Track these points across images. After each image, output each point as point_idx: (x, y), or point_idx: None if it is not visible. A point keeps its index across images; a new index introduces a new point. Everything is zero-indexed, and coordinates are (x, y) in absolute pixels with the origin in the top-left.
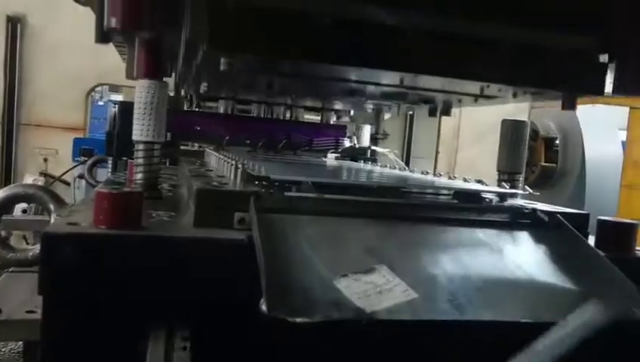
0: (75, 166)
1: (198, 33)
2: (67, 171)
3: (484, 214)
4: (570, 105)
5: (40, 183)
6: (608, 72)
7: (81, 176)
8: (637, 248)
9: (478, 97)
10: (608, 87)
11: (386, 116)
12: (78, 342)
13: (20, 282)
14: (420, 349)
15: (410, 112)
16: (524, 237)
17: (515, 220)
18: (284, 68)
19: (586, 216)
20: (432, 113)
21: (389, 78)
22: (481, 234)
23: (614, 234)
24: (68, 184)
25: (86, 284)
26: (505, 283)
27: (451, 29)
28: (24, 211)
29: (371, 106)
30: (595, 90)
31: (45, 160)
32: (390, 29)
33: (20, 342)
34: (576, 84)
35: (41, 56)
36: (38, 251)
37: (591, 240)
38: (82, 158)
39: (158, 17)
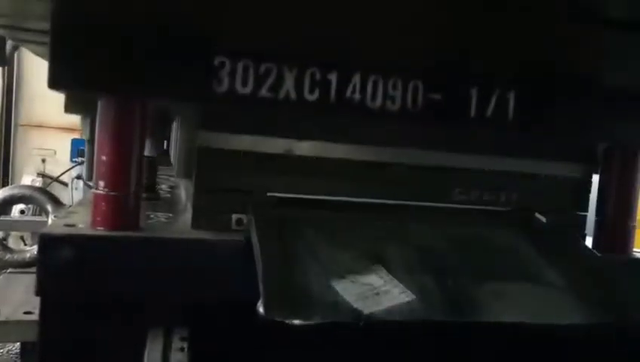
0: (73, 167)
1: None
2: (65, 172)
3: (483, 215)
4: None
5: (38, 184)
6: None
7: (79, 177)
8: (634, 249)
9: None
10: None
11: None
12: (75, 344)
13: (17, 283)
14: (418, 350)
15: None
16: (520, 237)
17: (513, 221)
18: None
19: (584, 217)
20: None
21: None
22: (480, 235)
23: (612, 236)
24: (66, 185)
25: (83, 286)
26: (503, 285)
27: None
28: (22, 212)
29: None
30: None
31: (43, 161)
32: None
33: (18, 343)
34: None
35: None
36: (35, 252)
37: (588, 242)
38: (80, 159)
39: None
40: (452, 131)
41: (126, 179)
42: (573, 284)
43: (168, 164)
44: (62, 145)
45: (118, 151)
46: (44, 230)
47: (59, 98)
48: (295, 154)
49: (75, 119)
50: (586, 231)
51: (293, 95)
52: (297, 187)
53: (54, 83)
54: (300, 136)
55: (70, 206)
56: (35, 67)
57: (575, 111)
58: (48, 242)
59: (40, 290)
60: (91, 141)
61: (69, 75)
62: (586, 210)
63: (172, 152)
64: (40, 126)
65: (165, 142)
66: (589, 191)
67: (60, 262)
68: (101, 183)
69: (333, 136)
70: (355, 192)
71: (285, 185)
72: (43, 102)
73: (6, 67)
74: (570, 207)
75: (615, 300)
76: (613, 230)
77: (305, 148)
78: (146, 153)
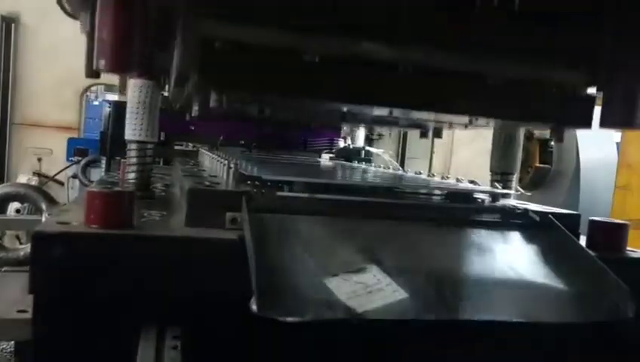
0: (69, 166)
1: (189, 68)
2: (61, 171)
3: (476, 214)
4: (558, 137)
5: (34, 183)
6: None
7: (74, 176)
8: (628, 248)
9: (468, 125)
10: (596, 120)
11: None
12: (68, 341)
13: (11, 282)
14: (410, 348)
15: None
16: (515, 237)
17: (507, 220)
18: (274, 99)
19: (578, 217)
20: (423, 135)
21: (379, 110)
22: (473, 234)
23: (605, 235)
24: (62, 184)
25: (76, 283)
26: (496, 283)
27: (440, 64)
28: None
29: (364, 125)
30: (582, 123)
31: (39, 160)
32: (379, 64)
33: (12, 342)
34: (564, 118)
35: (35, 55)
36: (29, 250)
37: (583, 241)
38: (76, 158)
39: (147, 60)
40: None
41: (126, 56)
42: (565, 283)
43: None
44: (58, 145)
45: (119, 23)
46: (38, 228)
47: (55, 97)
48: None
49: (71, 118)
50: (580, 231)
51: None
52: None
53: None
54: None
55: (65, 204)
56: (31, 66)
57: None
58: (41, 240)
59: (33, 288)
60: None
61: None
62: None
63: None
64: (36, 125)
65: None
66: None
67: (53, 260)
68: (102, 62)
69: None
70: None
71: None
72: (39, 101)
73: (2, 65)
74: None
75: (607, 299)
76: (606, 228)
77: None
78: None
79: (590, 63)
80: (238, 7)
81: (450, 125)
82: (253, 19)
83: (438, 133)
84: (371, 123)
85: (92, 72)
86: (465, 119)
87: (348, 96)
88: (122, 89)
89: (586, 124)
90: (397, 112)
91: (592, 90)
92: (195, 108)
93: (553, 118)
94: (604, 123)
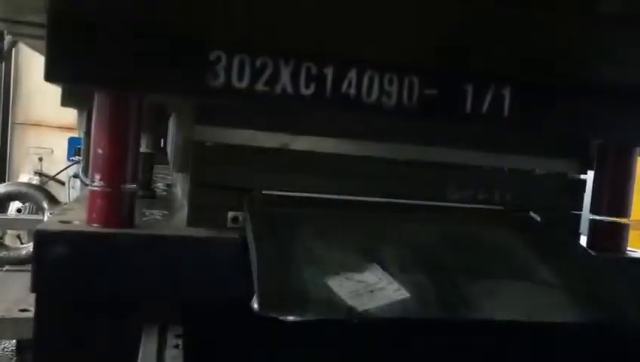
0: (70, 165)
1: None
2: (62, 170)
3: (477, 214)
4: None
5: (35, 182)
6: None
7: (76, 176)
8: (628, 249)
9: None
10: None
11: None
12: (70, 340)
13: (13, 281)
14: (411, 348)
15: None
16: (515, 236)
17: (508, 220)
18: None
19: (578, 216)
20: None
21: None
22: (474, 233)
23: (606, 235)
24: (63, 183)
25: (78, 282)
26: (496, 283)
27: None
28: (19, 211)
29: None
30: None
31: (40, 159)
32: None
33: (14, 341)
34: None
35: (36, 54)
36: (31, 249)
37: (583, 241)
38: (77, 158)
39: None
40: (449, 127)
41: (122, 173)
42: (566, 283)
43: (165, 162)
44: (59, 144)
45: (114, 145)
46: (40, 226)
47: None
48: (290, 148)
49: (71, 118)
50: (581, 231)
51: (289, 89)
52: (292, 183)
53: (50, 76)
54: (296, 131)
55: (66, 203)
56: (32, 65)
57: (569, 108)
58: (43, 238)
59: (35, 287)
60: (87, 135)
61: (66, 68)
62: (581, 209)
63: (168, 148)
64: (37, 124)
65: (162, 140)
66: (583, 188)
67: (55, 259)
68: (97, 176)
69: (330, 131)
70: (351, 189)
71: (280, 180)
72: (40, 101)
73: (3, 66)
74: (564, 204)
75: (608, 299)
76: (607, 229)
77: (301, 143)
78: (143, 149)
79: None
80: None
81: None
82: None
83: None
84: None
85: None
86: None
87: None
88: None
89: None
90: None
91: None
92: None
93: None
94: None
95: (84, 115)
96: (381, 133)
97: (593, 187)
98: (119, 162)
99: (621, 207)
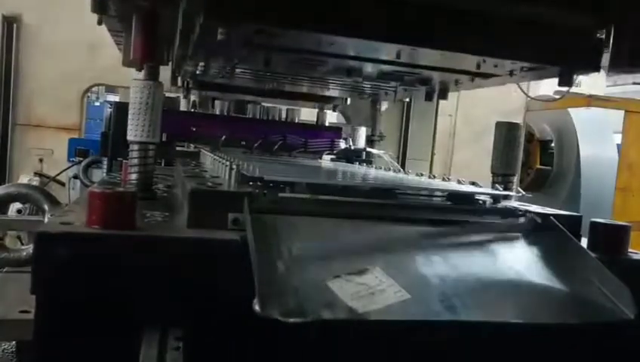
0: (70, 166)
1: (195, 4)
2: (62, 171)
3: (477, 216)
4: (566, 81)
5: (35, 183)
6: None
7: (76, 177)
8: (629, 250)
9: (475, 76)
10: (604, 64)
11: (383, 107)
12: (70, 342)
13: (13, 282)
14: (412, 350)
15: (407, 99)
16: (516, 238)
17: (509, 222)
18: (280, 40)
19: (579, 218)
20: (428, 97)
21: (386, 53)
22: (474, 235)
23: (607, 237)
24: (63, 184)
25: (79, 284)
26: (497, 285)
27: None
28: (19, 211)
29: (368, 91)
30: (591, 67)
31: (40, 160)
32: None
33: (13, 342)
34: (573, 61)
35: (36, 56)
36: (31, 251)
37: (584, 243)
38: (77, 159)
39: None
40: None
41: None
42: (566, 284)
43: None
44: (59, 145)
45: None
46: (40, 228)
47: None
48: None
49: (73, 119)
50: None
51: None
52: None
53: None
54: None
55: (67, 205)
56: (32, 66)
57: None
58: (44, 240)
59: (35, 288)
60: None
61: None
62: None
63: None
64: (37, 125)
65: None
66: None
67: (56, 260)
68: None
69: None
70: None
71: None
72: (40, 102)
73: (4, 66)
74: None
75: (608, 301)
76: (608, 230)
77: None
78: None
79: (600, 5)
80: None
81: (457, 81)
82: None
83: (443, 94)
84: (376, 79)
85: (98, 6)
86: (472, 64)
87: (356, 32)
88: None
89: (595, 67)
90: (404, 57)
91: (601, 34)
92: (201, 64)
93: (562, 61)
94: (613, 67)
95: None
96: None
97: None
98: None
99: None
